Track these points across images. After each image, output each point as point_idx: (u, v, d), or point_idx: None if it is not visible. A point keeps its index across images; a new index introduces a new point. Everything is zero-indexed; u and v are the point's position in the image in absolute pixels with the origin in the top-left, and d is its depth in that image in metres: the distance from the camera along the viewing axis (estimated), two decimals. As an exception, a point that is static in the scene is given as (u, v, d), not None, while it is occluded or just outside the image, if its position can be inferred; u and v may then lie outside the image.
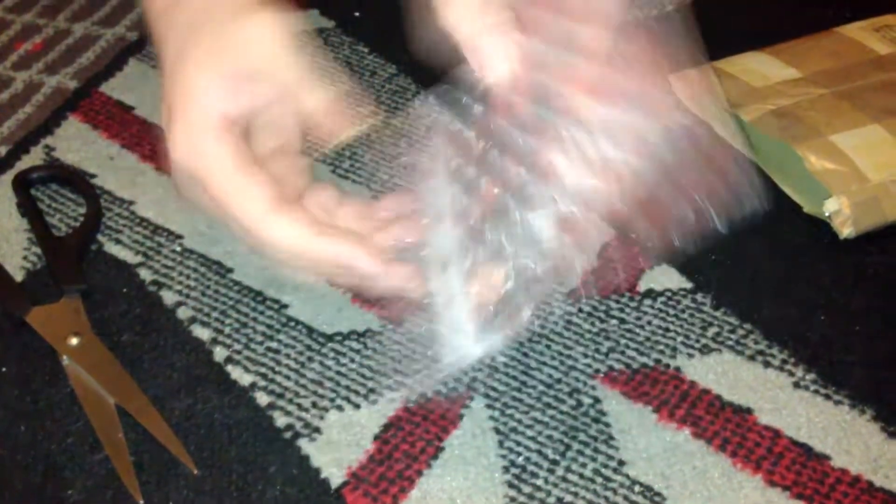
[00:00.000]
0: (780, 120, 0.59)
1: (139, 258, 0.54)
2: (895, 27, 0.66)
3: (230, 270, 0.54)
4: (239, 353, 0.50)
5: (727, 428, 0.47)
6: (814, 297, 0.52)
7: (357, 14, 0.71)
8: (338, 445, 0.47)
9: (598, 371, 0.49)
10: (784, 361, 0.50)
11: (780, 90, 0.61)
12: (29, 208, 0.56)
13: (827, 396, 0.48)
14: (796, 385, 0.49)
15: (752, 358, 0.50)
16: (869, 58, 0.64)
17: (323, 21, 0.70)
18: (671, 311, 0.52)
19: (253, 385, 0.49)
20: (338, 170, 0.59)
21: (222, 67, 0.47)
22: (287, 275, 0.52)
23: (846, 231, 0.54)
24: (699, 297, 0.53)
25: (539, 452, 0.46)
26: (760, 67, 0.64)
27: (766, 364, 0.50)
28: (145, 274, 0.54)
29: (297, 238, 0.46)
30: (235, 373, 0.50)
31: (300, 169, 0.51)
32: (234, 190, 0.46)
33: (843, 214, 0.54)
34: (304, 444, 0.47)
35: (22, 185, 0.58)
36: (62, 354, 0.49)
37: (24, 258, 0.55)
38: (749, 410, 0.48)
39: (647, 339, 0.51)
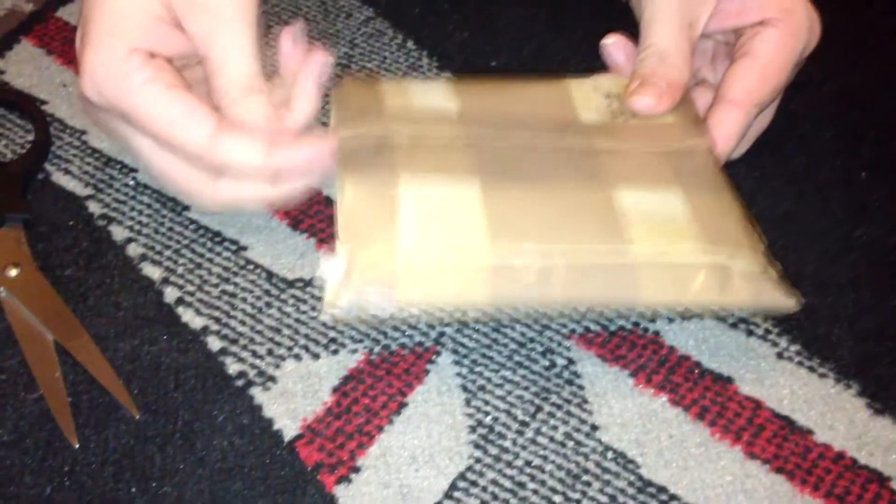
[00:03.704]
0: (368, 148, 0.46)
1: (89, 190, 0.51)
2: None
3: (186, 208, 0.50)
4: (191, 294, 0.47)
5: (706, 396, 0.45)
6: (799, 268, 0.50)
7: (334, -47, 0.67)
8: (293, 396, 0.44)
9: (573, 331, 0.46)
10: (767, 331, 0.47)
11: (411, 119, 0.48)
12: (-28, 132, 0.53)
13: (811, 369, 0.46)
14: (780, 356, 0.46)
15: (734, 326, 0.47)
16: (562, 119, 0.50)
17: (298, -42, 0.66)
18: (652, 274, 0.49)
19: (205, 329, 0.46)
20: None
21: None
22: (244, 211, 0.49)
23: (331, 310, 0.42)
24: (682, 260, 0.50)
25: (508, 413, 0.44)
26: (424, 92, 0.51)
27: (749, 333, 0.47)
28: (94, 207, 0.50)
29: (253, 151, 0.44)
30: (186, 315, 0.46)
31: None
32: (170, 117, 0.43)
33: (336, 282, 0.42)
34: (257, 394, 0.44)
35: (-34, 106, 0.54)
36: (-1, 286, 0.46)
37: (-36, 184, 0.51)
38: (730, 379, 0.45)
39: (626, 301, 0.48)
